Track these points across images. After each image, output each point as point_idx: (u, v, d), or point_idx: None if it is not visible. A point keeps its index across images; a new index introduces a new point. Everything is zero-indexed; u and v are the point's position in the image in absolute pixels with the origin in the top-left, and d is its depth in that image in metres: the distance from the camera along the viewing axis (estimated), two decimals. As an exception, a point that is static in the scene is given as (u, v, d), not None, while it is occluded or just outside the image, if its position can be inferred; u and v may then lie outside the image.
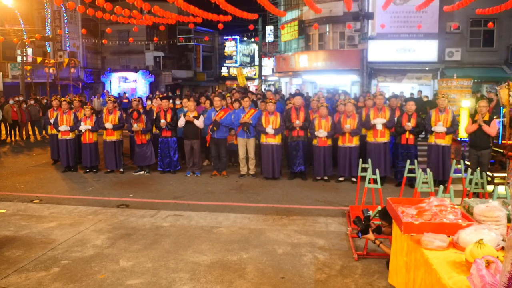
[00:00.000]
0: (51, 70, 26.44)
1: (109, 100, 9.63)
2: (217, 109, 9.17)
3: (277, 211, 6.70)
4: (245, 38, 41.73)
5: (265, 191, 8.04)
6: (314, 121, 8.64)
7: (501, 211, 3.13)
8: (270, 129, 8.60)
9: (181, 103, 11.19)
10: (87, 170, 9.63)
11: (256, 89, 29.38)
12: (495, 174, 7.50)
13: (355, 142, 8.55)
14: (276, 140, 8.76)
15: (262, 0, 12.30)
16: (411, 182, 7.73)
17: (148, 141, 9.37)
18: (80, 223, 6.01)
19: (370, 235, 4.23)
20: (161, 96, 11.08)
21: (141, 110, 9.77)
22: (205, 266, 4.58)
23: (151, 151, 9.44)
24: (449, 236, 3.02)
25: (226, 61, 43.30)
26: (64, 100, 9.90)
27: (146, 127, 9.25)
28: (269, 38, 32.79)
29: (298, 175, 8.97)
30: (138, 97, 11.36)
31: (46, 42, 29.04)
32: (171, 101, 10.67)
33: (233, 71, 41.08)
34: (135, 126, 9.14)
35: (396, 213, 3.43)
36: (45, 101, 16.83)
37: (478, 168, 6.18)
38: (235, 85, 34.06)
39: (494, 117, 7.95)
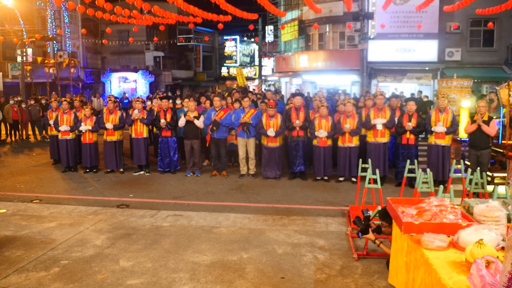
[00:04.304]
0: (51, 70, 26.43)
1: (110, 100, 9.64)
2: (217, 109, 9.17)
3: (277, 211, 6.70)
4: (245, 38, 41.75)
5: (265, 191, 8.04)
6: (314, 121, 8.64)
7: (501, 211, 3.13)
8: (271, 132, 8.61)
9: (181, 103, 11.20)
10: (87, 170, 9.63)
11: (254, 90, 29.36)
12: (495, 174, 7.51)
13: (355, 142, 8.55)
14: (277, 143, 8.78)
15: (262, 0, 12.29)
16: (411, 182, 7.73)
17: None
18: (80, 223, 6.01)
19: (370, 235, 4.23)
20: (161, 96, 11.10)
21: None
22: (205, 266, 4.58)
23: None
24: (449, 236, 3.02)
25: (226, 61, 43.30)
26: (65, 100, 9.90)
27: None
28: (269, 38, 32.78)
29: (298, 175, 8.97)
30: (139, 97, 11.37)
31: (46, 42, 29.03)
32: (171, 101, 10.67)
33: (233, 71, 41.07)
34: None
35: (396, 213, 3.43)
36: (43, 101, 16.80)
37: (478, 168, 6.18)
38: (235, 85, 34.05)
39: (494, 117, 7.95)
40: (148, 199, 7.48)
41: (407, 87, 20.74)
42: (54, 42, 28.59)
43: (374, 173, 5.73)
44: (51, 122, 10.00)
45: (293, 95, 11.18)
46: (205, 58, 42.23)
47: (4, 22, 27.38)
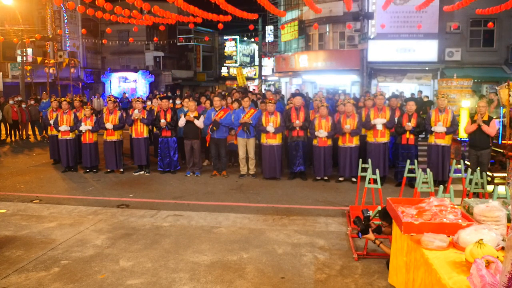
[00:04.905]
0: (51, 70, 26.42)
1: (110, 100, 9.64)
2: (217, 109, 9.17)
3: (277, 211, 6.70)
4: (245, 38, 41.76)
5: (265, 191, 8.04)
6: (314, 121, 8.65)
7: (501, 211, 3.13)
8: (270, 127, 8.60)
9: (181, 103, 11.20)
10: (87, 170, 9.63)
11: (254, 90, 29.36)
12: (495, 174, 7.51)
13: (355, 142, 8.56)
14: (276, 141, 8.76)
15: (262, 0, 12.29)
16: (411, 182, 7.73)
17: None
18: (80, 223, 6.01)
19: (370, 235, 4.23)
20: (161, 96, 11.11)
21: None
22: (205, 266, 4.58)
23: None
24: (449, 236, 3.02)
25: (226, 61, 43.31)
26: (65, 100, 9.91)
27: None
28: (269, 38, 32.80)
29: (298, 175, 8.97)
30: (139, 97, 11.36)
31: (46, 42, 29.02)
32: (171, 101, 10.68)
33: (233, 71, 41.09)
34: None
35: (396, 213, 3.43)
36: (43, 101, 16.77)
37: (478, 168, 6.18)
38: (235, 85, 34.06)
39: (494, 117, 7.95)
40: (148, 199, 7.48)
41: (407, 87, 20.74)
42: (54, 42, 28.56)
43: (374, 173, 5.73)
44: (51, 122, 10.00)
45: (293, 95, 11.18)
46: (205, 58, 42.23)
47: (4, 22, 27.36)
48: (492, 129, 7.43)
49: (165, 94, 16.92)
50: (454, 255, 2.82)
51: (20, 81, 23.52)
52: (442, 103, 8.16)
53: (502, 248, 2.67)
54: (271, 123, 8.64)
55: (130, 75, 33.74)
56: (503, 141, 8.05)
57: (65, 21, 29.88)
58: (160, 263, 4.65)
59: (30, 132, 16.14)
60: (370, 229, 4.26)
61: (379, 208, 4.47)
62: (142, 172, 9.51)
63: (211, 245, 5.16)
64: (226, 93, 12.50)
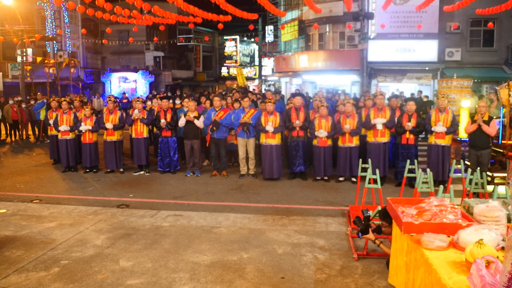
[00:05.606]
0: (51, 70, 26.42)
1: (110, 100, 9.64)
2: (217, 109, 9.17)
3: (277, 211, 6.70)
4: (245, 38, 41.77)
5: (265, 191, 8.04)
6: (314, 121, 8.65)
7: (501, 211, 3.13)
8: (269, 127, 8.60)
9: (181, 103, 11.21)
10: (87, 170, 9.63)
11: (254, 90, 29.36)
12: (495, 174, 7.51)
13: (355, 142, 8.56)
14: (276, 140, 8.76)
15: (262, 0, 12.29)
16: (411, 182, 7.73)
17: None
18: (80, 223, 6.01)
19: (370, 235, 4.23)
20: (161, 95, 11.11)
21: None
22: (205, 266, 4.58)
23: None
24: (449, 236, 3.02)
25: (226, 61, 43.31)
26: (64, 100, 9.91)
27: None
28: (269, 38, 32.81)
29: (298, 175, 8.97)
30: (139, 97, 11.37)
31: (46, 42, 29.02)
32: (171, 101, 10.68)
33: (233, 71, 41.09)
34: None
35: (396, 213, 3.43)
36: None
37: (478, 168, 6.18)
38: (235, 85, 34.06)
39: (494, 117, 7.95)
40: (148, 199, 7.48)
41: (407, 87, 20.73)
42: (54, 42, 28.58)
43: (374, 173, 5.73)
44: (51, 122, 10.01)
45: (293, 95, 11.18)
46: (205, 58, 42.23)
47: (4, 22, 27.36)
48: (492, 129, 7.43)
49: (165, 94, 16.91)
50: (454, 255, 2.82)
51: (20, 81, 23.53)
52: (442, 103, 8.16)
53: (502, 248, 2.67)
54: (270, 122, 8.64)
55: (130, 75, 33.74)
56: (503, 141, 8.06)
57: (65, 21, 29.89)
58: (160, 263, 4.65)
59: (30, 132, 16.13)
60: (370, 229, 4.26)
61: (379, 208, 4.47)
62: (142, 172, 9.52)
63: (211, 245, 5.16)
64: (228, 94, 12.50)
